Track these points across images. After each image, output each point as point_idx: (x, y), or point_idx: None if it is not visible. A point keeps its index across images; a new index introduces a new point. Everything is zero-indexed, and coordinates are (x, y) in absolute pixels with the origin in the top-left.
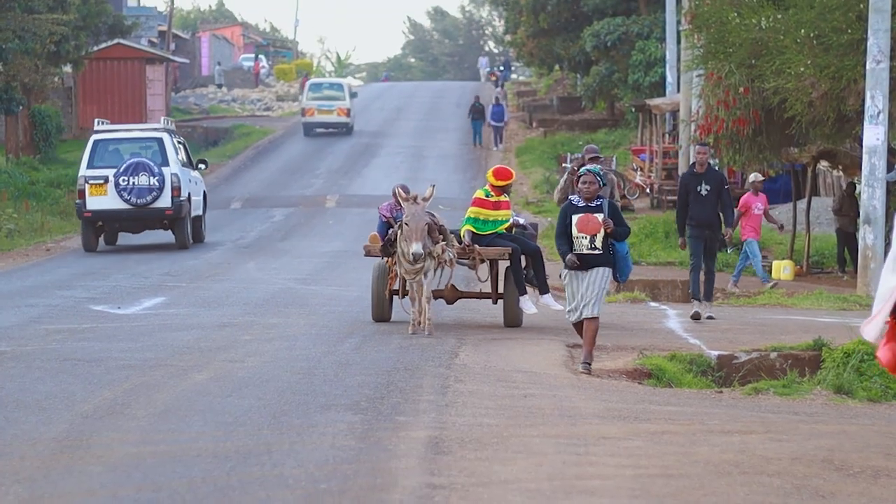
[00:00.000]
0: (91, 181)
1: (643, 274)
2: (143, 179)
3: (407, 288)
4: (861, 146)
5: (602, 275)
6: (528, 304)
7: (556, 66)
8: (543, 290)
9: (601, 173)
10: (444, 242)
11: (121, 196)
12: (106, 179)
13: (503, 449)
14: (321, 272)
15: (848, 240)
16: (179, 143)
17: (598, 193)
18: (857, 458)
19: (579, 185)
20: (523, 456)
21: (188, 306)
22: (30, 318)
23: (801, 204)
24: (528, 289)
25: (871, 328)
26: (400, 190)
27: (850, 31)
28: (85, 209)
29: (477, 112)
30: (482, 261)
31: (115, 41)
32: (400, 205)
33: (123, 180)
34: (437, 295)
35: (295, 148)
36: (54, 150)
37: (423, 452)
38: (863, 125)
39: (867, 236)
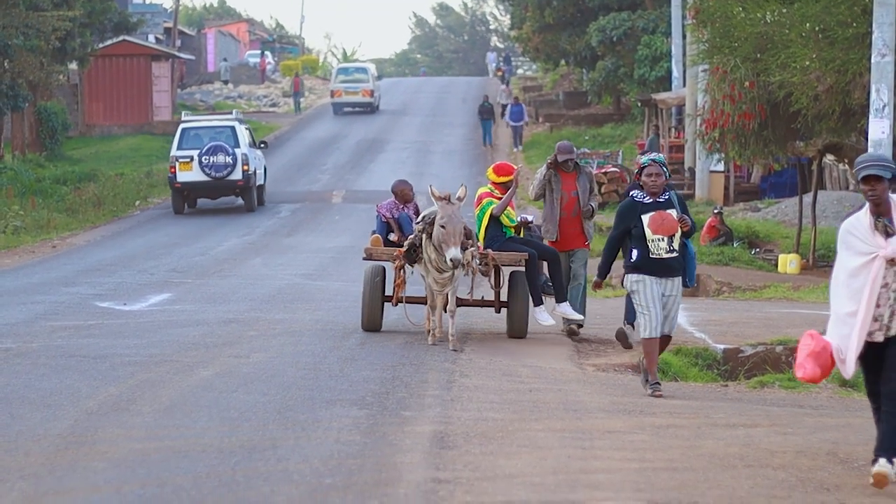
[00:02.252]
0: (180, 160)
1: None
2: (220, 158)
3: (424, 296)
4: (866, 139)
5: (680, 284)
6: (545, 314)
7: (562, 61)
8: (560, 297)
9: (665, 162)
10: (473, 248)
11: (203, 171)
12: (192, 158)
13: (508, 443)
14: (327, 268)
15: None
16: (246, 128)
17: (665, 186)
18: (863, 450)
19: (642, 178)
20: (528, 450)
21: (194, 302)
22: (35, 315)
23: (808, 198)
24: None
25: (848, 367)
26: (432, 188)
27: (855, 24)
28: (175, 181)
29: (486, 112)
30: (496, 267)
31: (121, 38)
32: (402, 204)
33: (205, 159)
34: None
35: (301, 144)
36: (60, 147)
37: (428, 447)
38: (868, 118)
39: None
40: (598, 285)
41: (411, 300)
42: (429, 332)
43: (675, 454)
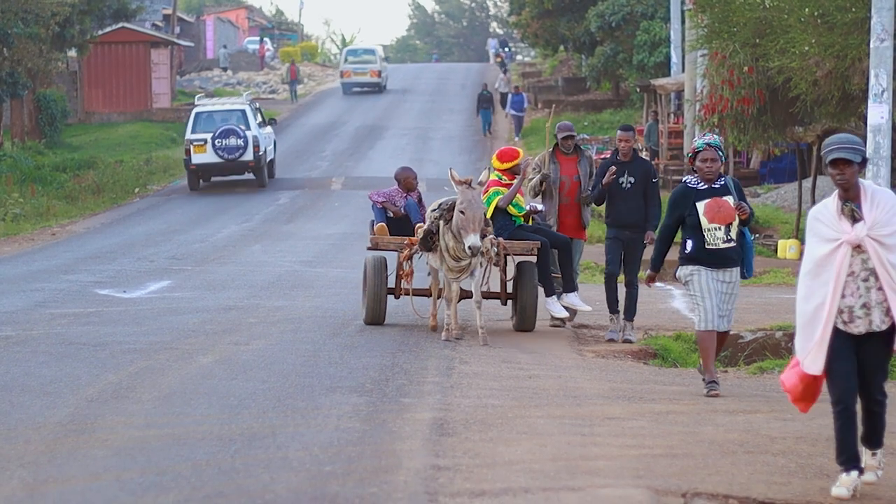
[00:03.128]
0: (195, 143)
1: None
2: (232, 141)
3: (428, 287)
4: (866, 125)
5: (738, 276)
6: (558, 306)
7: (561, 47)
8: (569, 287)
9: (721, 146)
10: (491, 236)
11: (216, 153)
12: (205, 141)
13: (508, 430)
14: (326, 254)
15: None
16: (256, 109)
17: (720, 172)
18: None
19: (696, 163)
20: (528, 437)
21: (193, 289)
22: (35, 303)
23: (807, 183)
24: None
25: (813, 361)
26: (452, 172)
27: (854, 9)
28: (191, 163)
29: (485, 101)
30: (507, 256)
31: (120, 25)
32: (405, 191)
33: (218, 141)
34: (441, 294)
35: (300, 130)
36: (59, 134)
37: (427, 434)
38: (867, 104)
39: None
40: (651, 279)
41: (418, 292)
42: (433, 327)
43: (674, 440)
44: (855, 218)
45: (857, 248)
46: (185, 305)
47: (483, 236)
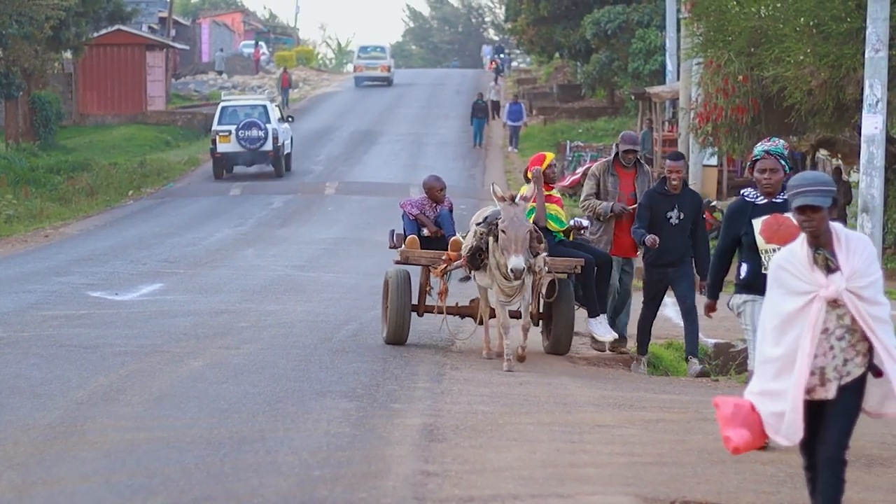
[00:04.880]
0: (220, 133)
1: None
2: (254, 132)
3: (472, 306)
4: (860, 135)
5: None
6: (604, 327)
7: (557, 54)
8: (598, 310)
9: (784, 153)
10: (545, 254)
11: (240, 143)
12: (230, 132)
13: (497, 436)
14: (319, 259)
15: None
16: (276, 106)
17: (782, 184)
18: (851, 447)
19: (755, 173)
20: (517, 443)
21: (186, 293)
22: (27, 304)
23: None
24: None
25: (791, 429)
26: (494, 186)
27: (849, 19)
28: (216, 152)
29: (480, 110)
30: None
31: (116, 27)
32: (434, 203)
33: (241, 133)
34: (463, 313)
35: (295, 135)
36: (54, 136)
37: (417, 440)
38: (861, 114)
39: (865, 225)
40: (710, 308)
41: (452, 311)
42: (489, 354)
43: (664, 449)
44: (830, 268)
45: (832, 302)
46: (177, 309)
47: (536, 254)
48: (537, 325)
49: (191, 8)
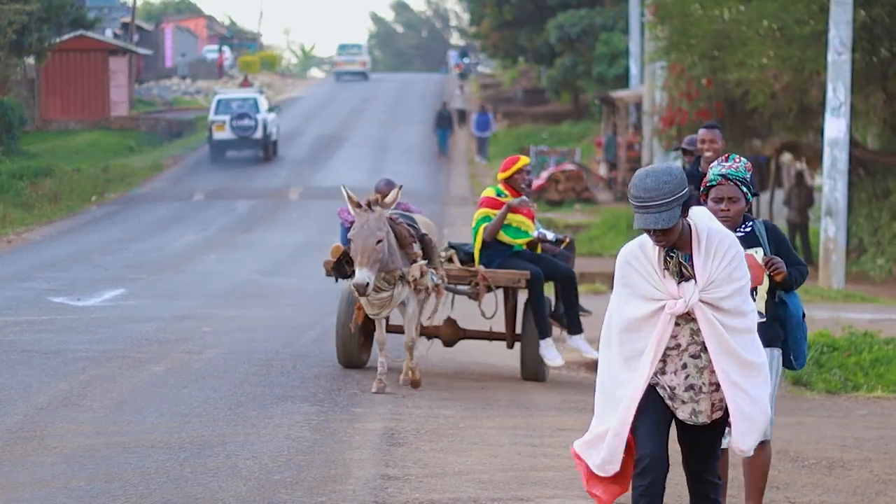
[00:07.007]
0: (216, 123)
1: (605, 266)
2: (246, 121)
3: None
4: (823, 138)
5: (773, 359)
6: (552, 351)
7: (521, 58)
8: (574, 329)
9: (745, 177)
10: (424, 262)
11: (233, 131)
12: (225, 122)
13: (458, 440)
14: (283, 264)
15: (798, 230)
16: (265, 98)
17: (743, 214)
18: (813, 449)
19: (709, 202)
20: (478, 447)
21: (148, 298)
22: None
23: (765, 196)
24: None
25: (608, 460)
26: (346, 191)
27: (812, 22)
28: (213, 139)
29: (444, 120)
30: (489, 288)
31: (79, 33)
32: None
33: (235, 122)
34: (430, 333)
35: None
36: (17, 142)
37: (377, 443)
38: (824, 117)
39: (829, 228)
40: None
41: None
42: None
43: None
44: (683, 274)
45: (686, 314)
46: (139, 314)
47: (413, 261)
48: (510, 347)
49: (154, 13)
